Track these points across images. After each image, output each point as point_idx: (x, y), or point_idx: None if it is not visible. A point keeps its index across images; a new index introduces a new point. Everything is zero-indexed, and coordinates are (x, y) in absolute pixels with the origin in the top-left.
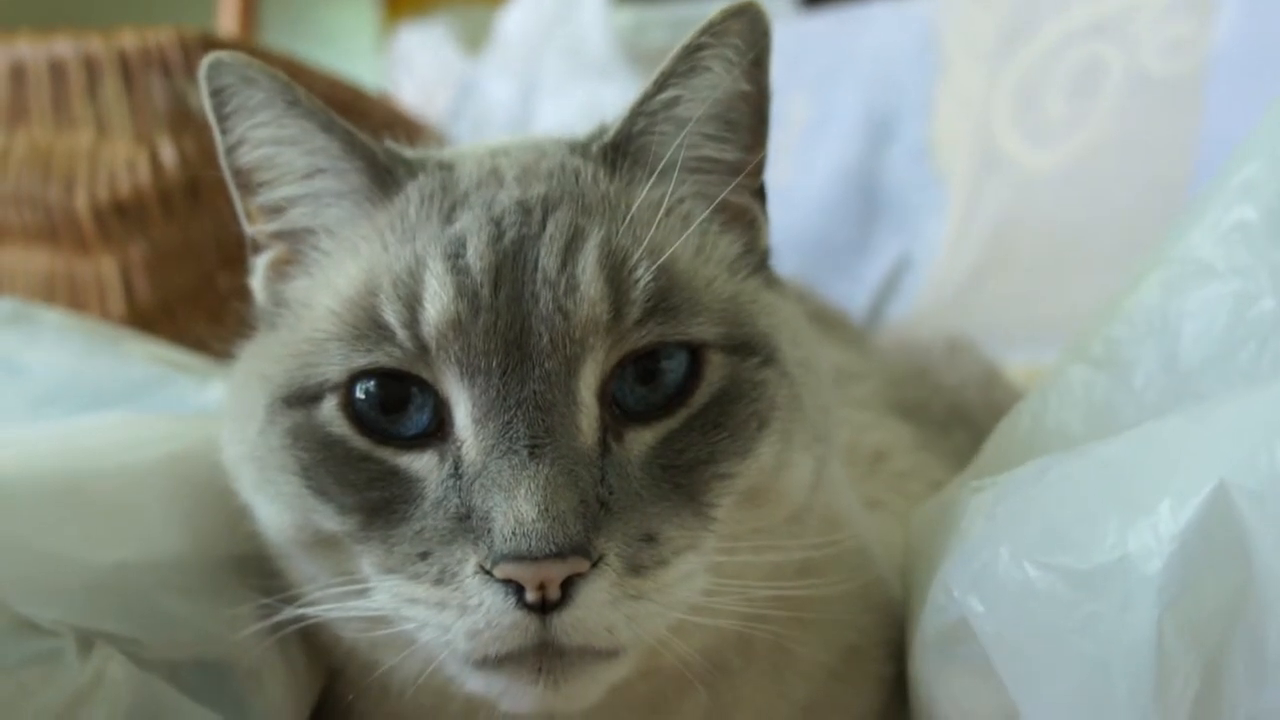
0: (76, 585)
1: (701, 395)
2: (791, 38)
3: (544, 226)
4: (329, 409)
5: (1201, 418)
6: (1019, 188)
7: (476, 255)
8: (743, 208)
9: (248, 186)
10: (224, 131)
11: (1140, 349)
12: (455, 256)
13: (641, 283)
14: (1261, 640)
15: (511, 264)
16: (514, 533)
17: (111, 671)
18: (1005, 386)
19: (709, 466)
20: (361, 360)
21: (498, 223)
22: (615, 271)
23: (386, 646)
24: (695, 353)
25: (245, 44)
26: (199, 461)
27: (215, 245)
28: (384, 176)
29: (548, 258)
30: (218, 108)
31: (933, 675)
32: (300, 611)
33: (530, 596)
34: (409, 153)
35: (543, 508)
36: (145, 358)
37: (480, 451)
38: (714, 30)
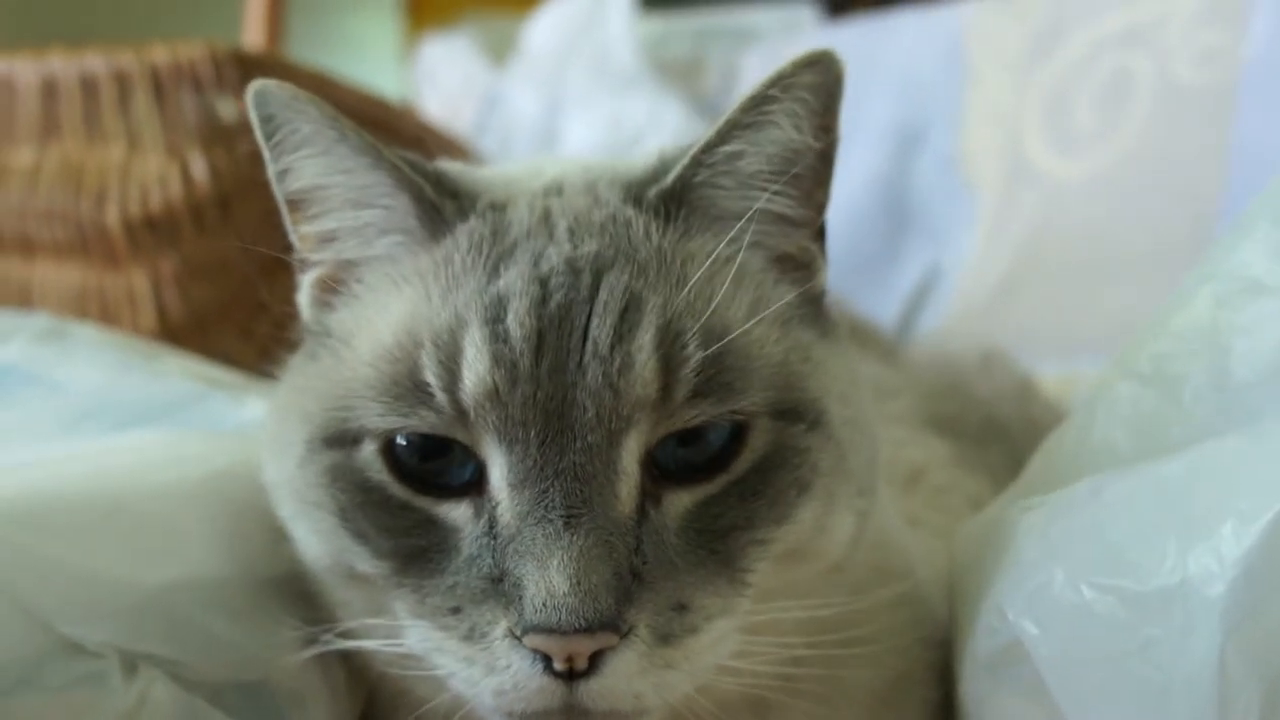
0: (120, 606)
1: (744, 462)
2: (815, 45)
3: (595, 291)
4: (368, 454)
5: (1261, 438)
6: (1049, 198)
7: (517, 321)
8: (802, 255)
9: (296, 212)
10: (273, 158)
11: (1189, 365)
12: (495, 321)
13: (694, 360)
14: None
15: (556, 331)
16: (544, 604)
17: (156, 693)
18: (1039, 399)
19: (746, 533)
20: (399, 420)
21: (543, 283)
22: (670, 348)
23: (419, 682)
24: (740, 423)
25: (273, 57)
26: (239, 480)
27: (246, 259)
28: (433, 214)
29: (600, 329)
30: (266, 135)
31: (983, 698)
32: (338, 641)
33: (558, 666)
34: (464, 180)
35: (575, 581)
36: (180, 374)
37: (515, 515)
38: (784, 83)
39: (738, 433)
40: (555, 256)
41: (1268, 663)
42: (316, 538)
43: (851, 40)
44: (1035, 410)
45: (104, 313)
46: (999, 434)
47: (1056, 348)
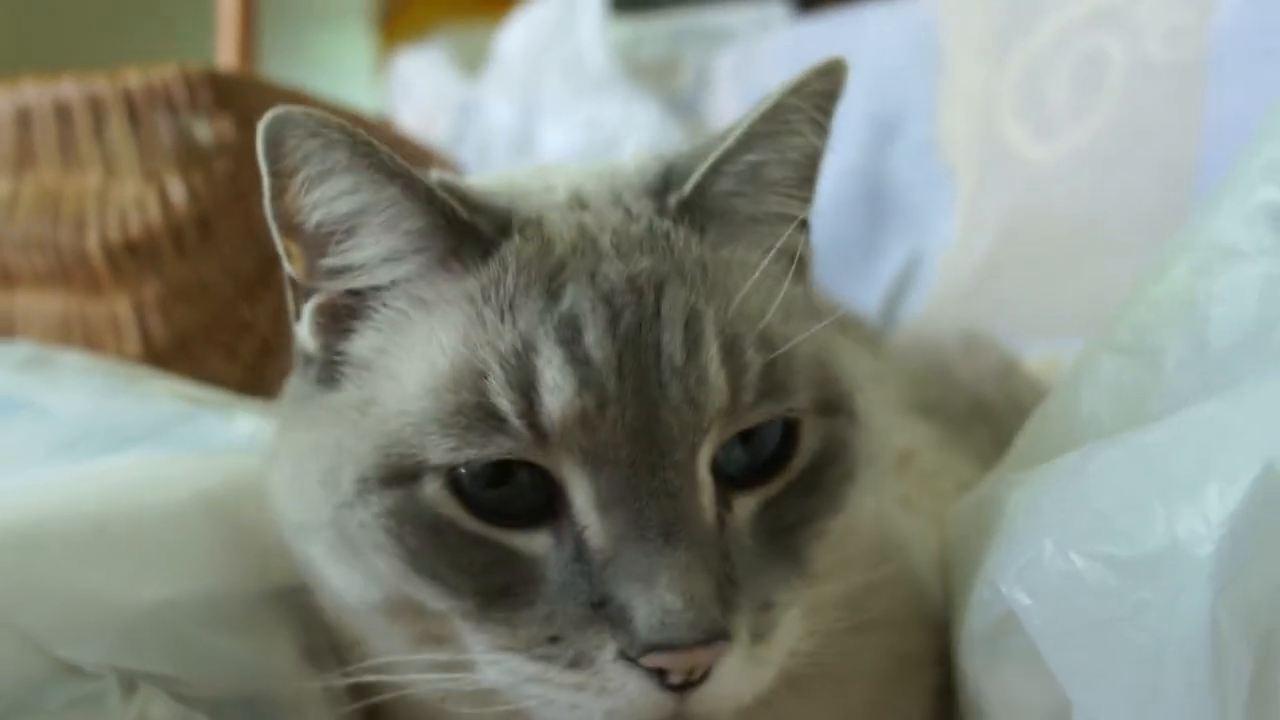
0: (116, 626)
1: (799, 461)
2: (790, 42)
3: (658, 309)
4: (434, 490)
5: (1241, 400)
6: (1026, 180)
7: (597, 343)
8: (804, 250)
9: (309, 245)
10: (285, 188)
11: (1169, 334)
12: (571, 343)
13: (755, 365)
14: None
15: (632, 351)
16: (661, 623)
17: (155, 711)
18: (1024, 378)
19: (807, 526)
20: (473, 451)
21: (609, 302)
22: (732, 356)
23: (475, 711)
24: (790, 421)
25: (247, 76)
26: (229, 497)
27: (228, 280)
28: (469, 234)
29: (672, 346)
30: (277, 161)
31: (980, 671)
32: (382, 678)
33: (675, 680)
34: (488, 197)
35: (687, 596)
36: (166, 395)
37: (609, 539)
38: (804, 91)
39: (788, 433)
40: (614, 275)
41: (1258, 620)
42: (372, 579)
43: (823, 34)
44: (1019, 390)
45: (87, 340)
46: (984, 416)
47: (1039, 329)
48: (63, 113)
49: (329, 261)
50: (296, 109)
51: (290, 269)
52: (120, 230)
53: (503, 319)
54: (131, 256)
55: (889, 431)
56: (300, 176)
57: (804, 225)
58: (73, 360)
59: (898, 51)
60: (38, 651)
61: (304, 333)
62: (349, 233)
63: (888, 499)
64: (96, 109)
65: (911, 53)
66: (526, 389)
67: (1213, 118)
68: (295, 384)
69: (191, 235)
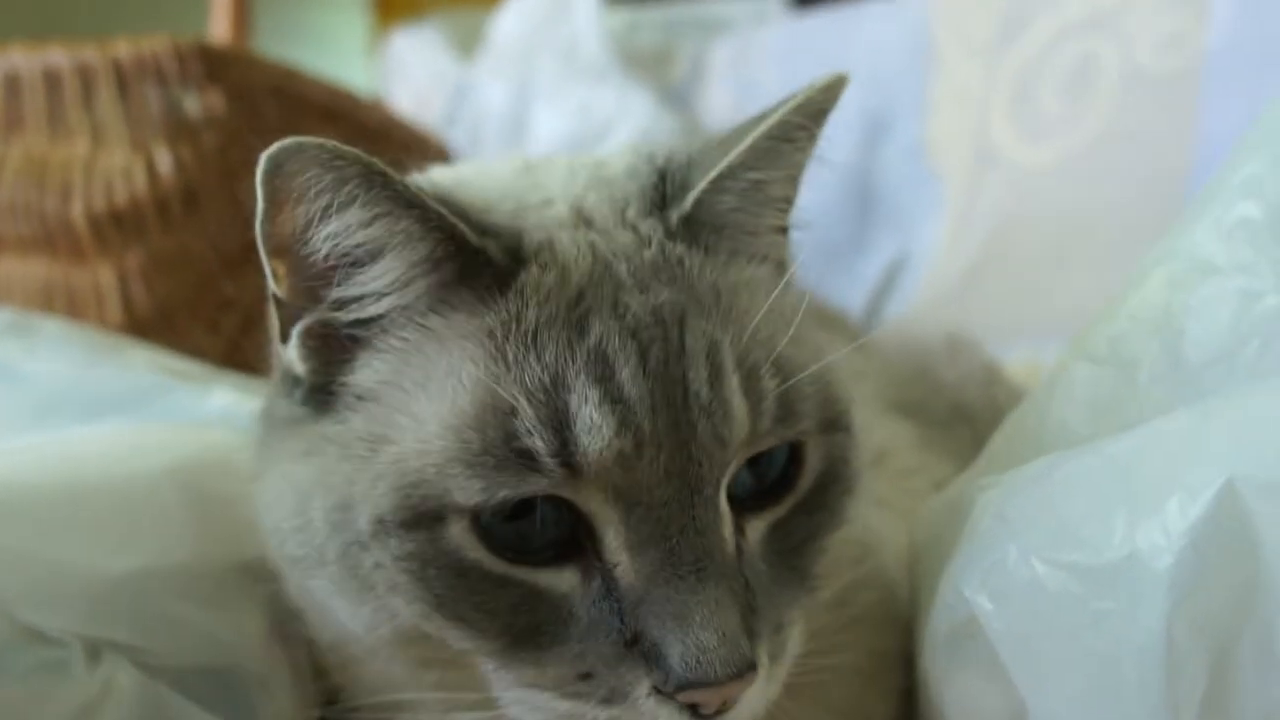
0: (84, 594)
1: (805, 481)
2: (786, 38)
3: (683, 343)
4: (458, 532)
5: (1208, 414)
6: (1015, 184)
7: (630, 380)
8: (790, 257)
9: (312, 274)
10: (285, 215)
11: (1144, 346)
12: (605, 380)
13: (770, 394)
14: (1270, 635)
15: (662, 388)
16: (697, 661)
17: (119, 680)
18: (1005, 384)
19: (812, 543)
20: (505, 492)
21: (635, 335)
22: (752, 387)
23: None
24: (796, 442)
25: (237, 51)
26: (202, 469)
27: (213, 253)
28: (484, 264)
29: (698, 383)
30: (280, 189)
31: (941, 674)
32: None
33: (708, 711)
34: (502, 221)
35: (720, 634)
36: (146, 366)
37: (640, 577)
38: (808, 109)
39: (794, 454)
40: (637, 307)
41: (1214, 633)
42: (383, 616)
43: (819, 30)
44: (1000, 395)
45: (70, 307)
46: (964, 418)
47: (1024, 333)
48: (52, 81)
49: (336, 293)
50: (309, 140)
51: (276, 289)
52: (106, 200)
53: (527, 353)
54: (116, 226)
55: (866, 430)
56: (307, 208)
57: (786, 232)
58: (53, 328)
59: (892, 51)
60: (3, 615)
61: (291, 355)
62: (358, 263)
63: (864, 499)
64: (86, 78)
65: (906, 53)
66: (559, 427)
67: (1204, 128)
68: (280, 405)
69: (177, 207)
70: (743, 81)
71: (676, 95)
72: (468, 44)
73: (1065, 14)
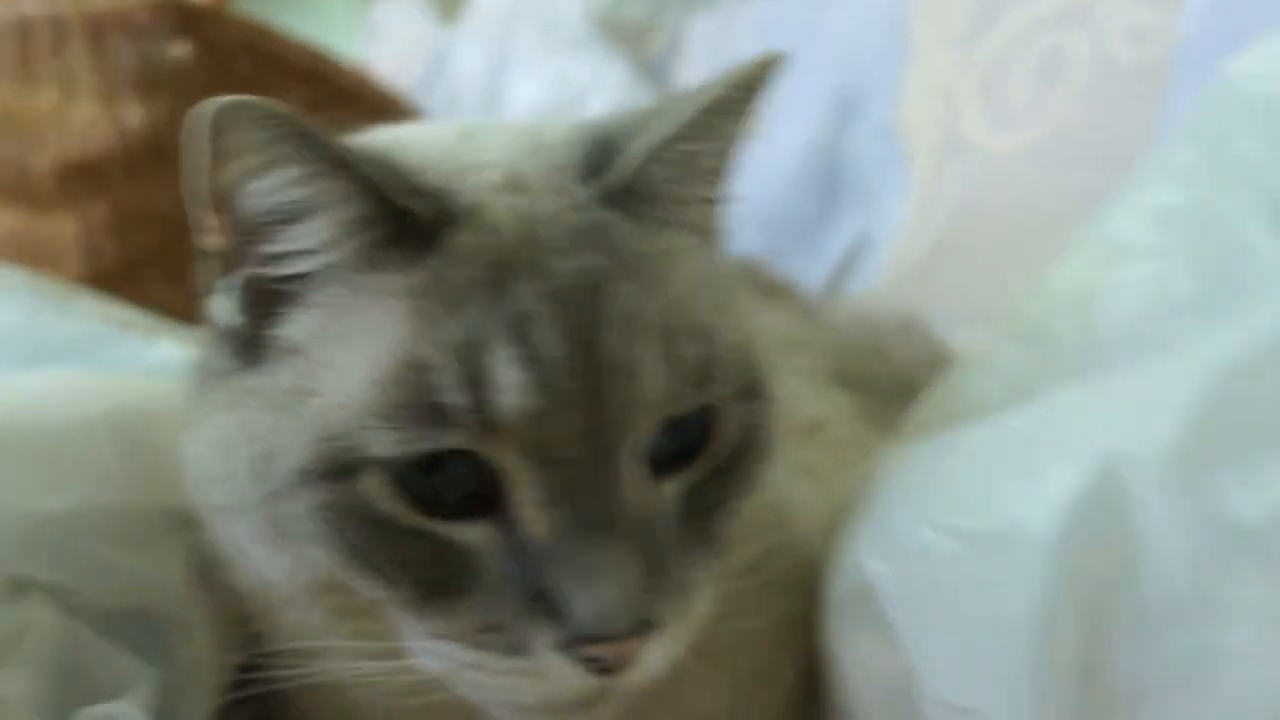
0: (8, 532)
1: (721, 446)
2: (763, 14)
3: (602, 306)
4: (373, 484)
5: (1098, 390)
6: (982, 170)
7: (548, 342)
8: (719, 226)
9: (244, 229)
10: (220, 170)
11: (1061, 325)
12: (522, 340)
13: (688, 359)
14: (1143, 603)
15: (579, 350)
16: (599, 616)
17: (39, 617)
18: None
19: (723, 506)
20: (420, 445)
21: (556, 298)
22: (670, 351)
23: (399, 703)
24: (712, 407)
25: (211, 7)
26: (139, 417)
27: (179, 208)
28: (413, 224)
29: (615, 346)
30: (217, 146)
31: (839, 636)
32: (306, 669)
33: (609, 666)
34: (426, 178)
35: (624, 591)
36: (94, 316)
37: (549, 533)
38: (745, 85)
39: (711, 419)
40: (560, 270)
41: (1091, 602)
42: (301, 564)
43: (795, 9)
44: None
45: (34, 258)
46: (909, 397)
47: (983, 317)
48: (24, 30)
49: (267, 248)
50: (248, 99)
51: (211, 243)
52: (73, 151)
53: (448, 312)
54: (82, 178)
55: (797, 400)
56: (243, 164)
57: (717, 203)
58: (3, 276)
59: (867, 31)
60: None
61: (223, 308)
62: (289, 221)
63: (785, 466)
64: (58, 29)
65: (881, 34)
66: (476, 384)
67: (1171, 122)
68: (212, 358)
69: (144, 161)
70: (720, 56)
71: (655, 68)
72: (449, 10)
73: (1039, 5)
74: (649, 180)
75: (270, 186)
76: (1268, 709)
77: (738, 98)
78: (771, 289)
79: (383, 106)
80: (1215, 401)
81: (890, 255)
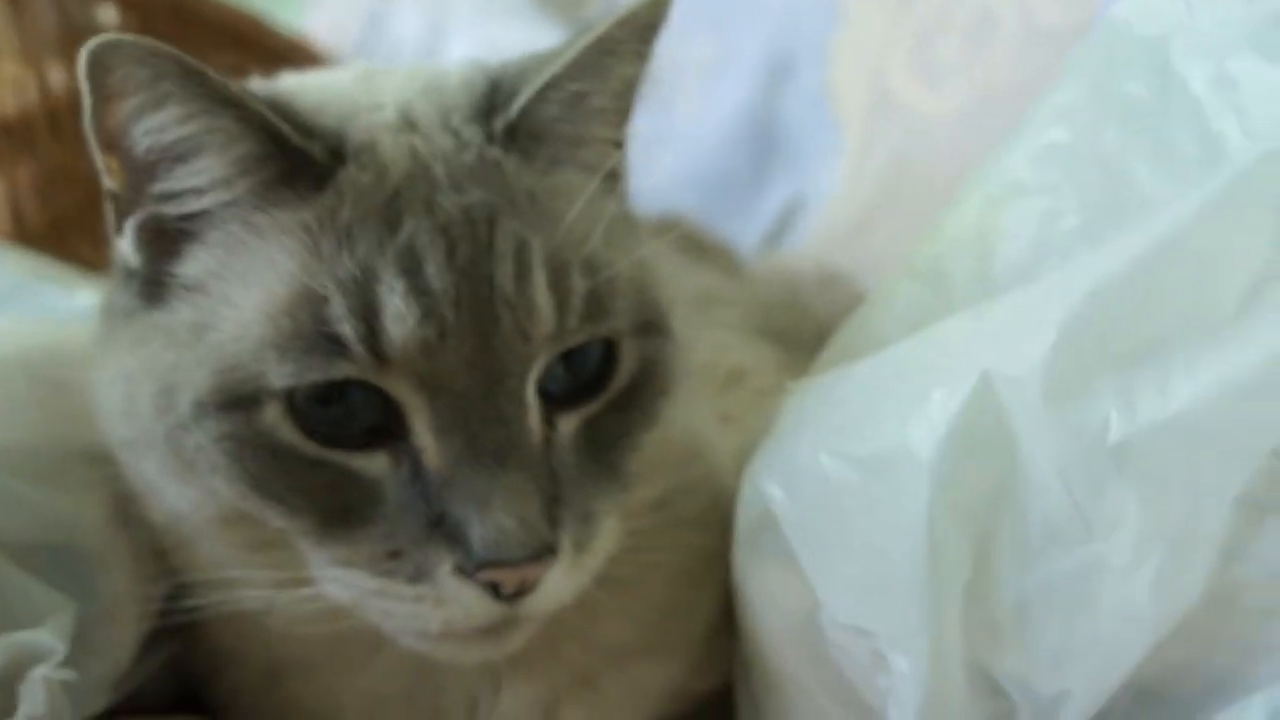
0: None
1: (619, 381)
2: None
3: (491, 241)
4: (272, 415)
5: (979, 315)
6: (912, 132)
7: (437, 275)
8: (620, 168)
9: (137, 168)
10: (109, 112)
11: (957, 263)
12: (412, 273)
13: (579, 292)
14: (1025, 522)
15: (469, 283)
16: (495, 542)
17: None
18: None
19: (624, 439)
20: (314, 375)
21: (445, 232)
22: (559, 284)
23: (307, 630)
24: (611, 341)
25: None
26: (54, 359)
27: None
28: (303, 161)
29: (504, 279)
30: (101, 87)
31: (745, 566)
32: (219, 599)
33: (508, 591)
34: (318, 117)
35: (519, 516)
36: (14, 268)
37: (445, 461)
38: (632, 24)
39: (609, 352)
40: (450, 207)
41: (973, 519)
42: (207, 496)
43: None
44: None
45: None
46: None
47: None
48: None
49: (159, 186)
50: (125, 37)
51: (110, 184)
52: None
53: (340, 247)
54: (7, 138)
55: (721, 350)
56: (128, 103)
57: (620, 145)
58: None
59: None
60: None
61: (126, 248)
62: (179, 159)
63: (698, 409)
64: None
65: None
66: (368, 315)
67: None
68: (117, 297)
69: (69, 121)
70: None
71: None
72: None
73: None
74: (538, 119)
75: (157, 124)
76: (1145, 623)
77: (625, 37)
78: (703, 248)
79: (314, 68)
80: (1082, 321)
81: (823, 216)
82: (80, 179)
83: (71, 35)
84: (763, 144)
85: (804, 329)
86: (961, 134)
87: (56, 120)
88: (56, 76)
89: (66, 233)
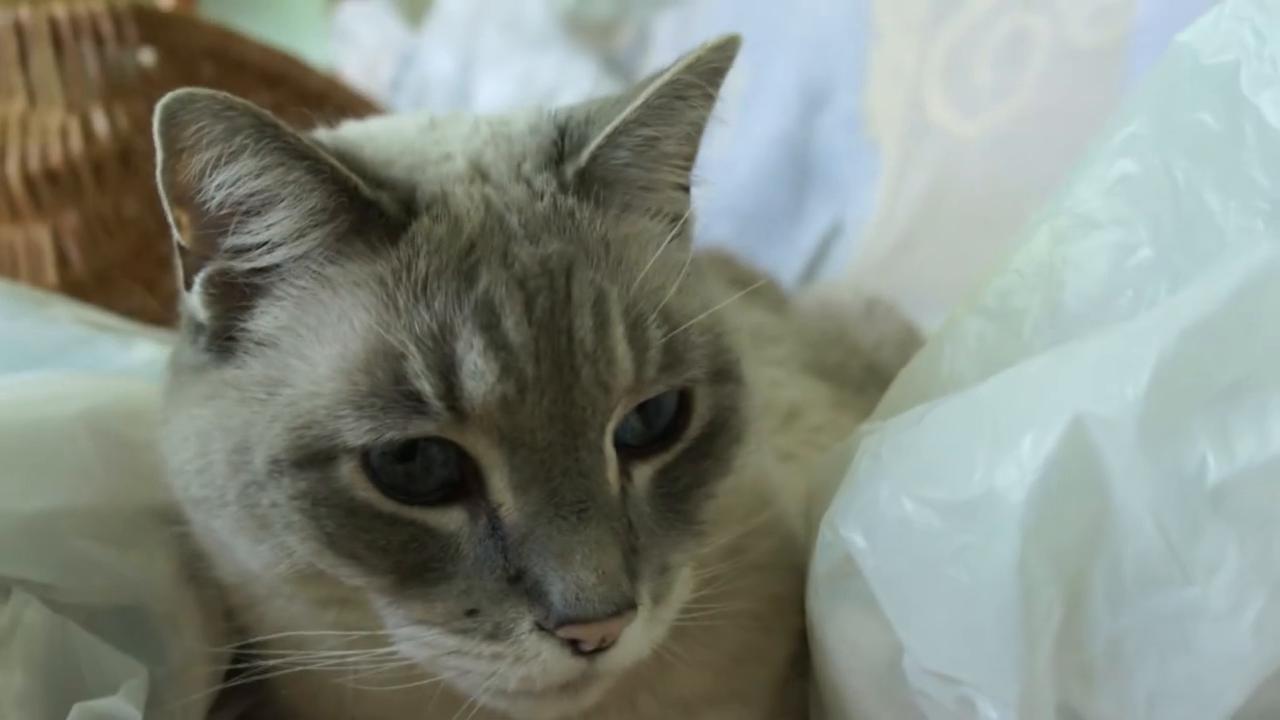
0: None
1: (693, 429)
2: (728, 8)
3: (569, 292)
4: (348, 472)
5: (1065, 355)
6: (948, 155)
7: (515, 328)
8: (687, 213)
9: (209, 223)
10: (182, 166)
11: (1028, 298)
12: (490, 328)
13: (656, 343)
14: (1118, 565)
15: (547, 336)
16: (576, 598)
17: (28, 617)
18: (921, 346)
19: (699, 489)
20: (392, 433)
21: (523, 285)
22: (637, 335)
23: (378, 689)
24: (685, 390)
25: (175, 12)
26: (117, 416)
27: (149, 214)
28: (374, 214)
29: (583, 331)
30: (176, 140)
31: (824, 613)
32: (290, 658)
33: (588, 647)
34: (388, 170)
35: (600, 572)
36: (70, 319)
37: (524, 516)
38: (700, 68)
39: (683, 402)
40: (526, 258)
41: (1066, 563)
42: (281, 554)
43: (758, 2)
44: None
45: (6, 267)
46: (879, 380)
47: (953, 301)
48: None
49: (231, 240)
50: (200, 91)
51: (179, 238)
52: (41, 159)
53: (417, 301)
54: (52, 186)
55: (775, 387)
56: (201, 157)
57: (686, 189)
58: None
59: (831, 20)
60: None
61: (194, 302)
62: (251, 213)
63: (764, 451)
64: (21, 37)
65: (844, 22)
66: (446, 372)
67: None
68: (185, 352)
69: (113, 167)
70: (685, 51)
71: (621, 64)
72: (416, 12)
73: None
74: (609, 166)
75: (231, 178)
76: (1246, 667)
77: (695, 81)
78: (747, 280)
79: (351, 108)
80: (1177, 360)
81: (862, 242)
82: (125, 226)
83: (113, 82)
84: (800, 171)
85: (852, 364)
86: (998, 156)
87: (100, 168)
88: (100, 124)
89: (113, 280)
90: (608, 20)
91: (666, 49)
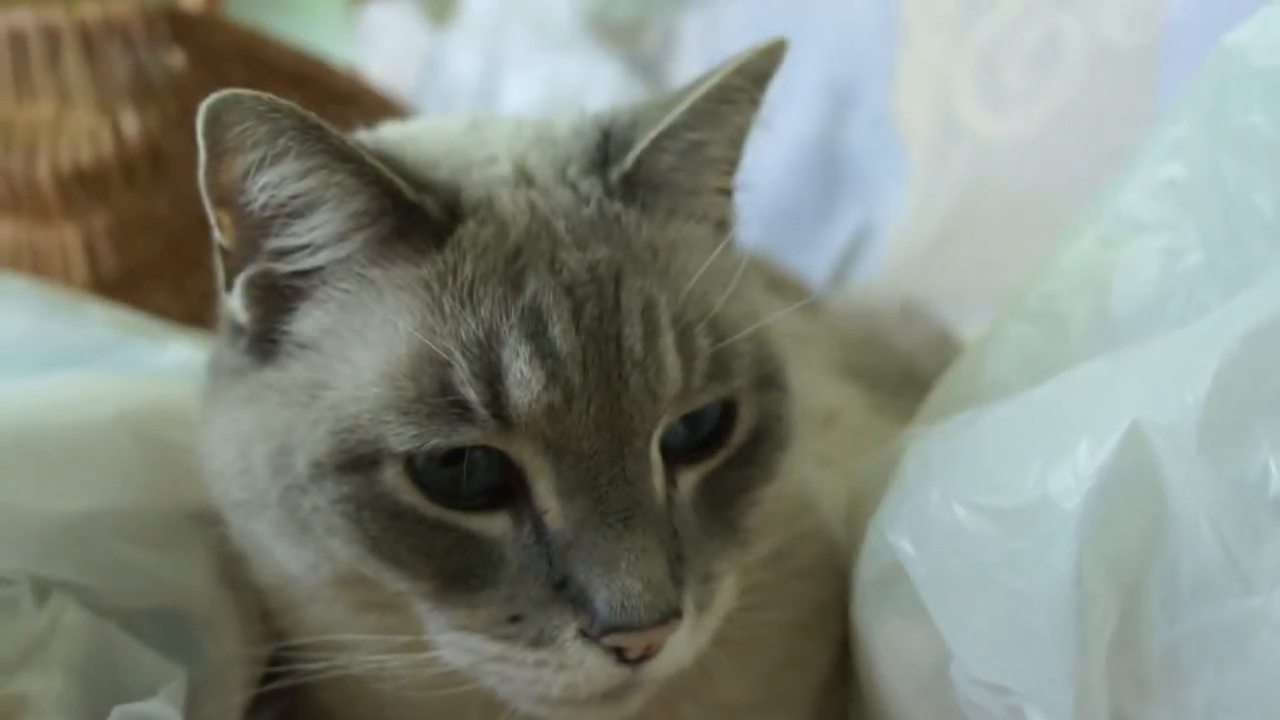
0: (32, 535)
1: (738, 436)
2: (754, 9)
3: (618, 300)
4: (393, 476)
5: (1120, 361)
6: (980, 157)
7: (563, 336)
8: (730, 216)
9: (252, 224)
10: (225, 167)
11: (1074, 303)
12: (537, 335)
13: (705, 352)
14: (1175, 572)
15: (595, 344)
16: (622, 606)
17: (67, 618)
18: (958, 350)
19: (744, 496)
20: (437, 439)
21: (570, 292)
22: (686, 344)
23: (420, 695)
24: (731, 399)
25: (204, 14)
26: (154, 417)
27: (179, 215)
28: (418, 217)
29: (632, 339)
30: (220, 141)
31: (870, 619)
32: (329, 662)
33: (632, 655)
34: (433, 174)
35: (646, 580)
36: (104, 321)
37: (570, 523)
38: (748, 72)
39: (728, 409)
40: (573, 264)
41: (1122, 569)
42: (323, 558)
43: (788, 1)
44: (952, 360)
45: (36, 268)
46: (915, 383)
47: (985, 302)
48: (18, 42)
49: (273, 242)
50: (244, 92)
51: (221, 239)
52: (72, 160)
53: (463, 306)
54: (82, 187)
55: (813, 392)
56: (245, 158)
57: (729, 194)
58: (12, 284)
59: (860, 20)
60: None
61: (235, 304)
62: (295, 215)
63: (806, 457)
64: (51, 39)
65: (874, 22)
66: (492, 380)
67: (1164, 101)
68: (226, 354)
69: (143, 168)
70: (711, 52)
71: (647, 66)
72: (441, 13)
73: None
74: (655, 170)
75: (275, 179)
76: None
77: (741, 85)
78: (779, 283)
79: (379, 110)
80: (1237, 366)
81: (892, 244)
82: (155, 227)
83: (143, 83)
84: (828, 173)
85: (888, 368)
86: (1031, 157)
87: (131, 169)
88: (130, 125)
89: (142, 281)
90: (634, 21)
91: (693, 50)
